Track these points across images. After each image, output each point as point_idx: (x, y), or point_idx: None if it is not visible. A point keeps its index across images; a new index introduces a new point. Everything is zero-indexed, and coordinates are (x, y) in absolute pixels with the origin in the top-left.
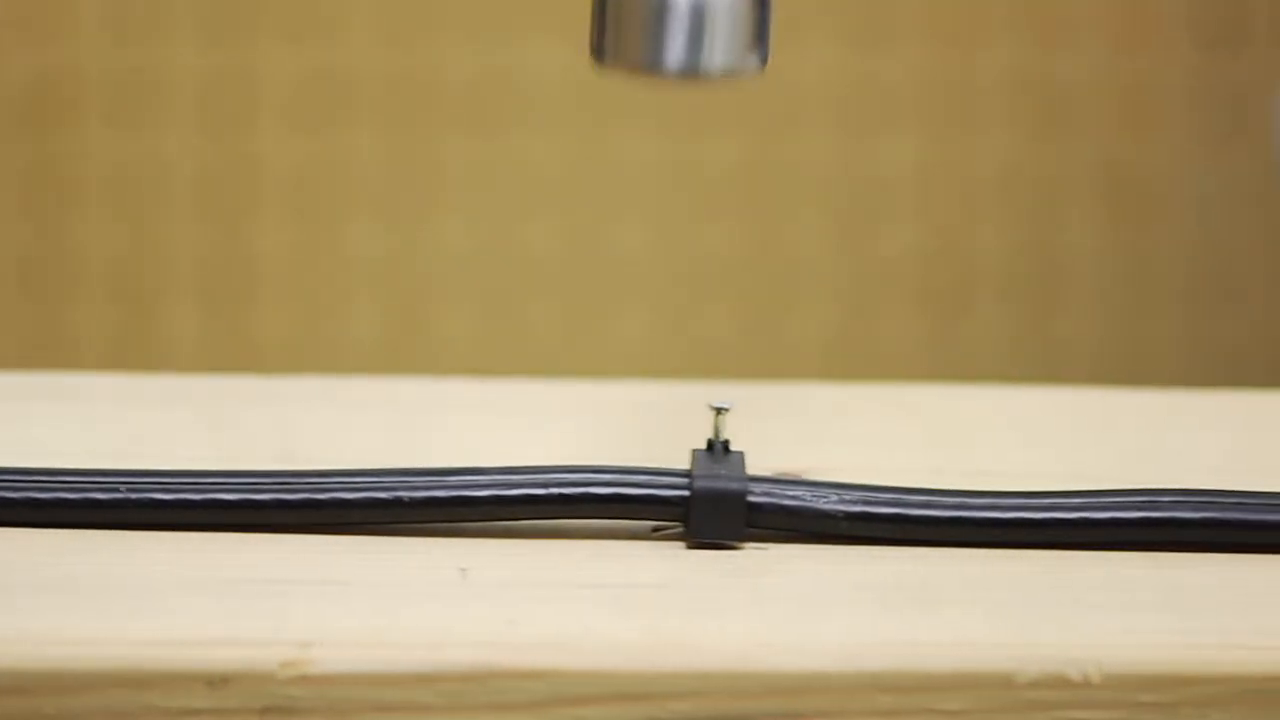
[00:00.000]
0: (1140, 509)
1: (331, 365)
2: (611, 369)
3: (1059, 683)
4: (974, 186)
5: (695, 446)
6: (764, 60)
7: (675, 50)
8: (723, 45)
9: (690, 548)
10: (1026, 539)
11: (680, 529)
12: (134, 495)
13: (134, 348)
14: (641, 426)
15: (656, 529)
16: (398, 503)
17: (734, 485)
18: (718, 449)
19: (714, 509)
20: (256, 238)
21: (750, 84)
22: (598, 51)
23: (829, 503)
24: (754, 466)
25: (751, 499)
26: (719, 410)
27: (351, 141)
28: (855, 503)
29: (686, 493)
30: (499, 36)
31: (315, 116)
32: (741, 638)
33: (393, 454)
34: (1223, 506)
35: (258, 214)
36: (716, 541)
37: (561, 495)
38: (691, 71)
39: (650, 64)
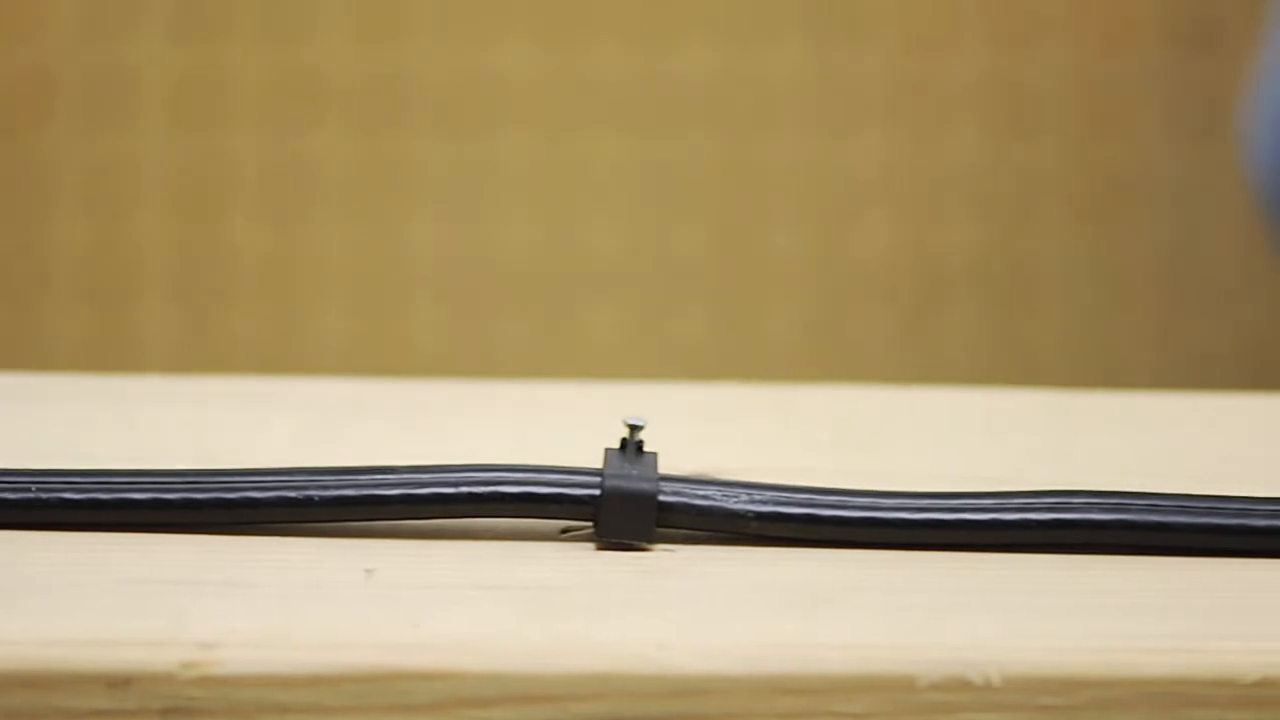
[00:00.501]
0: (1052, 510)
1: (304, 364)
2: (584, 369)
3: (960, 685)
4: (946, 187)
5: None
6: None
7: None
8: None
9: (599, 549)
10: (937, 540)
11: (590, 529)
12: (44, 495)
13: (106, 348)
14: (569, 427)
15: (566, 530)
16: (308, 501)
17: (644, 485)
18: (630, 449)
19: (624, 508)
20: (229, 237)
21: (723, 83)
22: None
23: (739, 502)
24: (672, 467)
25: (662, 498)
26: (634, 428)
27: (324, 142)
28: (766, 503)
29: (597, 492)
30: (472, 37)
31: (288, 116)
32: (643, 640)
33: (318, 455)
34: (1135, 509)
35: (230, 214)
36: (626, 543)
37: (471, 494)
38: None
39: None
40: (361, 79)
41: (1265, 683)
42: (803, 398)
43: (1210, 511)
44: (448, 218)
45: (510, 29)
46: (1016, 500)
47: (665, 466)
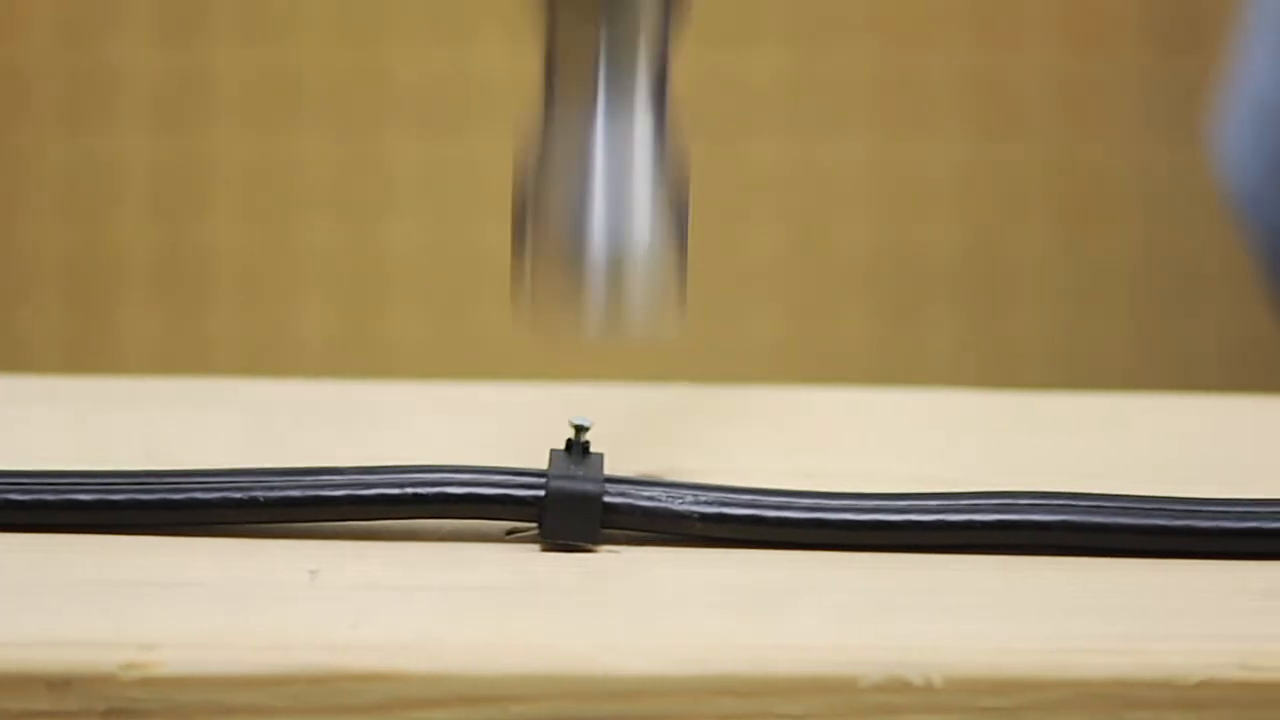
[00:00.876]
0: (997, 511)
1: (285, 364)
2: (563, 370)
3: (901, 686)
4: (925, 188)
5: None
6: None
7: (594, 312)
8: (644, 304)
9: (544, 550)
10: (882, 541)
11: (535, 530)
12: None
13: (87, 348)
14: (527, 428)
15: (511, 531)
16: (254, 502)
17: (589, 486)
18: (576, 450)
19: (568, 510)
20: (209, 238)
21: (703, 82)
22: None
23: (684, 503)
24: (619, 469)
25: (607, 499)
26: (579, 428)
27: (304, 141)
28: (711, 504)
29: (542, 493)
30: (451, 37)
31: (268, 116)
32: (585, 641)
33: (269, 457)
34: (1080, 510)
35: (211, 214)
36: (571, 544)
37: (417, 495)
38: (611, 333)
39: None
40: (342, 79)
41: (1207, 684)
42: (759, 399)
43: (1155, 513)
44: (429, 217)
45: (490, 29)
46: (962, 501)
47: (614, 468)
